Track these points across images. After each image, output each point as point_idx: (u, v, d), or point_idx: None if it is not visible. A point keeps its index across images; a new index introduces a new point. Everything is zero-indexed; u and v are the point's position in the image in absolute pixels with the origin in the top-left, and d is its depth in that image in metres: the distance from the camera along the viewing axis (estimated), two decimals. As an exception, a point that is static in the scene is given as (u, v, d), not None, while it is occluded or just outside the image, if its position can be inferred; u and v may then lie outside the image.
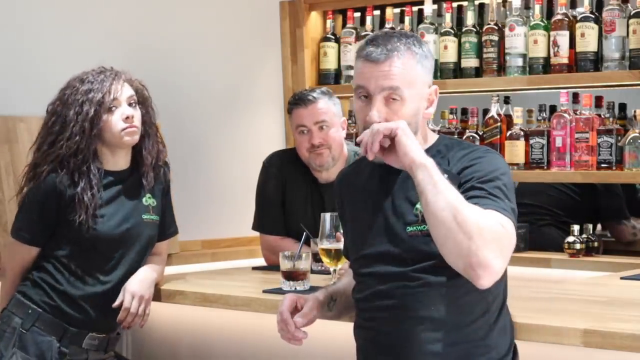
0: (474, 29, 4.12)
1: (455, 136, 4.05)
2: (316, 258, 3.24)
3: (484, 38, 4.08)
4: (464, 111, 4.26)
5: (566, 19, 3.88)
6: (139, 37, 4.09)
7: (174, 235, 3.40)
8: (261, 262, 3.84)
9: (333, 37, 4.56)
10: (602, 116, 3.82)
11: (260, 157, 3.84)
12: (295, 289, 3.01)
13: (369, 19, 4.42)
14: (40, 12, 3.80)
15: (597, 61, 3.83)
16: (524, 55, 3.99)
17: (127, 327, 3.16)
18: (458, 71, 4.18)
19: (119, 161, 3.17)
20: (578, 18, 3.86)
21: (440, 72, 4.21)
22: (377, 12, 4.44)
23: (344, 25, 4.55)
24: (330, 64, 4.55)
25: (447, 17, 4.20)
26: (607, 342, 2.30)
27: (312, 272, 3.17)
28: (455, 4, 4.25)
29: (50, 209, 3.08)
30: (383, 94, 2.36)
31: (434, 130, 2.81)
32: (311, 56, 4.59)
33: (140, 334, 3.26)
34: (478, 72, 4.13)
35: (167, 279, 3.39)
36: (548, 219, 4.37)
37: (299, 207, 3.69)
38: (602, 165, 3.78)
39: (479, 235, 2.15)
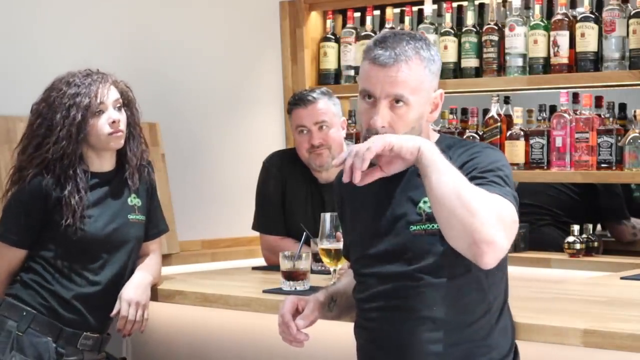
0: (474, 29, 4.12)
1: (456, 136, 4.05)
2: (316, 258, 3.24)
3: (484, 38, 4.07)
4: (464, 111, 4.26)
5: (566, 19, 3.88)
6: (138, 37, 4.09)
7: (164, 233, 3.39)
8: (261, 262, 3.84)
9: (333, 37, 4.56)
10: (602, 116, 3.82)
11: (260, 157, 3.84)
12: (295, 289, 3.01)
13: (369, 19, 4.42)
14: (41, 12, 3.80)
15: (597, 61, 3.83)
16: (524, 55, 3.99)
17: (127, 335, 3.16)
18: (458, 71, 4.18)
19: (104, 163, 3.17)
20: (578, 18, 3.86)
21: (441, 72, 4.18)
22: (377, 12, 4.44)
23: (344, 25, 4.55)
24: (330, 64, 4.55)
25: (447, 17, 4.20)
26: (607, 342, 2.30)
27: (312, 272, 3.17)
28: (455, 4, 4.25)
29: (37, 210, 3.08)
30: (389, 98, 2.36)
31: (434, 130, 2.80)
32: (311, 56, 4.59)
33: (139, 334, 3.26)
34: (478, 72, 4.13)
35: (166, 279, 3.39)
36: (548, 219, 4.37)
37: (299, 207, 3.69)
38: (602, 165, 3.77)
39: (483, 212, 2.14)
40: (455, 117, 4.17)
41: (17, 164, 3.14)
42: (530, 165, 3.94)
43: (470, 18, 4.13)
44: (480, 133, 4.05)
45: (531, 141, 3.93)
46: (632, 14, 3.74)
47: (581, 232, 3.87)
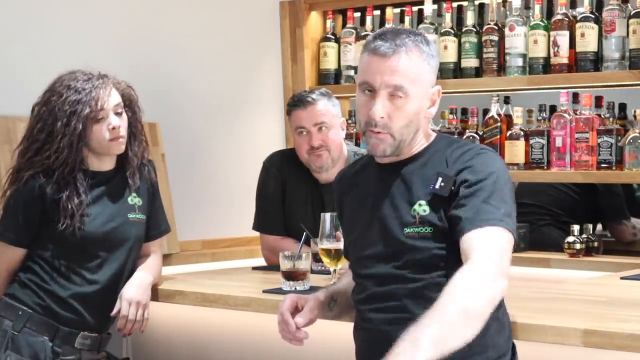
0: (474, 29, 4.12)
1: (455, 136, 4.05)
2: (316, 258, 3.24)
3: (484, 38, 4.07)
4: (464, 111, 4.26)
5: (566, 19, 3.88)
6: (139, 37, 4.09)
7: (166, 233, 3.39)
8: (261, 262, 3.85)
9: (333, 37, 4.56)
10: (602, 116, 3.82)
11: (260, 157, 3.84)
12: (295, 289, 3.01)
13: (369, 19, 4.42)
14: (41, 12, 3.80)
15: (597, 61, 3.83)
16: (524, 55, 3.99)
17: (127, 334, 3.16)
18: (458, 71, 4.18)
19: (105, 163, 3.17)
20: (578, 18, 3.86)
21: (440, 72, 4.18)
22: (377, 12, 4.44)
23: (344, 25, 4.55)
24: (330, 64, 4.55)
25: (447, 17, 4.20)
26: (607, 342, 2.29)
27: (312, 272, 3.17)
28: (455, 4, 4.25)
29: (35, 210, 3.07)
30: (388, 90, 2.36)
31: (432, 130, 2.80)
32: (311, 56, 4.59)
33: (139, 334, 3.26)
34: (478, 72, 4.13)
35: (166, 279, 3.39)
36: (548, 219, 4.37)
37: (299, 207, 3.69)
38: (602, 165, 3.77)
39: (483, 312, 2.16)
40: (455, 117, 4.17)
41: (15, 165, 3.13)
42: (530, 165, 3.94)
43: (470, 18, 4.13)
44: (480, 133, 4.05)
45: (531, 141, 3.93)
46: (632, 14, 3.74)
47: (581, 232, 3.87)
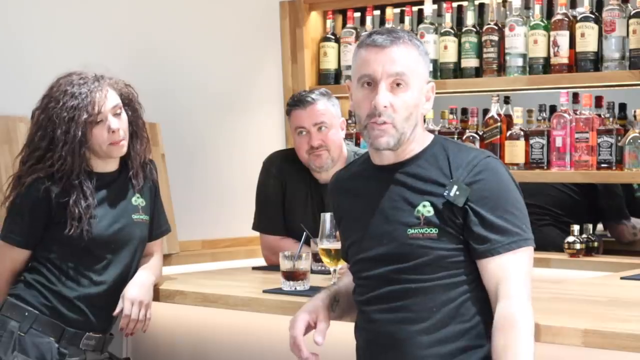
0: (474, 29, 4.12)
1: (455, 136, 4.05)
2: (316, 258, 3.24)
3: (484, 38, 4.08)
4: (464, 111, 4.26)
5: (566, 19, 3.88)
6: (139, 37, 4.09)
7: (167, 233, 3.39)
8: (261, 262, 3.84)
9: (333, 37, 4.56)
10: (602, 116, 3.82)
11: (260, 157, 3.84)
12: (295, 289, 3.01)
13: (369, 19, 4.42)
14: (41, 12, 3.80)
15: (597, 61, 3.83)
16: (524, 55, 3.99)
17: (130, 334, 3.16)
18: (458, 71, 4.19)
19: (108, 165, 3.16)
20: (578, 18, 3.86)
21: (440, 72, 4.21)
22: (377, 12, 4.44)
23: (344, 25, 4.55)
24: (330, 64, 4.55)
25: (447, 17, 4.20)
26: (607, 342, 2.29)
27: (312, 272, 3.17)
28: (455, 4, 4.25)
29: (41, 212, 3.07)
30: (389, 80, 2.37)
31: (432, 131, 2.81)
32: (311, 56, 4.59)
33: (140, 334, 3.26)
34: (478, 72, 4.13)
35: (166, 279, 3.39)
36: (548, 219, 4.37)
37: (299, 207, 3.69)
38: (602, 165, 3.78)
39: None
40: (455, 117, 4.17)
41: (17, 173, 3.12)
42: (530, 165, 3.94)
43: (470, 18, 4.13)
44: (480, 133, 4.05)
45: (531, 141, 3.93)
46: (632, 14, 3.75)
47: (581, 232, 3.87)
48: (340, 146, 3.63)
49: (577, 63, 3.87)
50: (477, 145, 3.96)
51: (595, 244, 3.89)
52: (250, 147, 4.45)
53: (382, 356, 2.42)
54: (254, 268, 3.78)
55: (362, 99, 2.41)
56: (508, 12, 4.06)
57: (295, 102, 3.62)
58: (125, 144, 3.12)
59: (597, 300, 2.84)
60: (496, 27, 4.05)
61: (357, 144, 4.29)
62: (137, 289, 3.13)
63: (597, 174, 3.81)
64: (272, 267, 3.58)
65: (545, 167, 3.91)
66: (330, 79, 4.55)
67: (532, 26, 3.94)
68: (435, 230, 2.35)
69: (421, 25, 4.25)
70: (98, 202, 3.11)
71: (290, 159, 3.73)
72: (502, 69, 4.06)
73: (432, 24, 4.23)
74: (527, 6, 4.01)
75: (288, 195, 3.72)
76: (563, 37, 3.87)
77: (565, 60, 3.88)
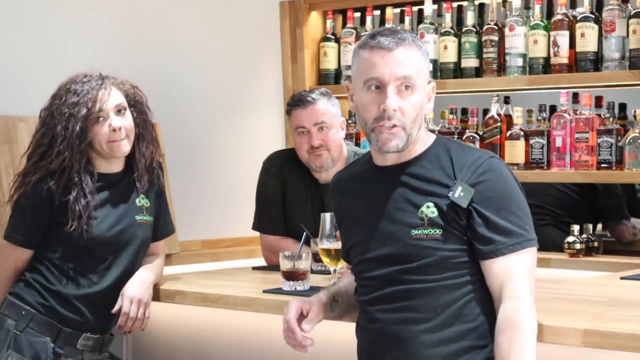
0: (474, 29, 4.12)
1: (455, 136, 4.05)
2: (316, 258, 3.24)
3: (484, 38, 4.08)
4: (464, 111, 4.26)
5: (566, 19, 3.88)
6: (139, 37, 4.09)
7: (170, 234, 3.39)
8: (261, 262, 3.84)
9: (333, 37, 4.56)
10: (602, 116, 3.82)
11: (260, 157, 3.84)
12: (295, 289, 3.01)
13: (369, 19, 4.42)
14: (41, 12, 3.80)
15: (597, 61, 3.84)
16: (524, 55, 3.99)
17: (128, 332, 3.16)
18: (458, 71, 4.19)
19: (112, 165, 3.15)
20: (578, 18, 3.86)
21: (440, 72, 4.21)
22: (377, 12, 4.44)
23: (344, 25, 4.55)
24: (330, 64, 4.55)
25: (447, 17, 4.20)
26: (607, 342, 2.30)
27: (312, 272, 3.17)
28: (455, 4, 4.25)
29: (44, 212, 3.07)
30: (397, 83, 2.37)
31: (432, 131, 2.81)
32: (311, 56, 4.59)
33: (140, 334, 3.26)
34: (478, 72, 4.13)
35: (166, 279, 3.39)
36: (548, 219, 4.37)
37: (299, 207, 3.69)
38: (602, 165, 3.78)
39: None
40: (455, 117, 4.17)
41: (22, 170, 3.13)
42: (530, 165, 3.94)
43: (470, 18, 4.13)
44: (480, 133, 4.05)
45: (531, 141, 3.93)
46: (632, 14, 3.75)
47: (581, 232, 3.87)
48: (341, 146, 3.63)
49: (577, 63, 3.87)
50: (477, 145, 3.96)
51: (595, 244, 3.89)
52: (250, 147, 4.45)
53: (385, 355, 2.42)
54: (254, 268, 3.78)
55: (369, 102, 2.40)
56: (508, 12, 4.06)
57: (296, 102, 3.62)
58: (126, 144, 3.11)
59: (597, 300, 2.84)
60: (496, 27, 4.05)
61: (357, 144, 4.29)
62: (136, 287, 3.13)
63: (597, 174, 3.81)
64: (272, 267, 3.58)
65: (545, 167, 3.91)
66: (330, 79, 4.55)
67: (532, 26, 3.94)
68: (440, 231, 2.36)
69: (421, 25, 4.25)
70: (100, 203, 3.11)
71: (290, 158, 3.73)
72: (502, 69, 4.06)
73: (432, 24, 4.23)
74: (527, 6, 4.01)
75: (288, 195, 3.72)
76: (563, 37, 3.87)
77: (565, 60, 3.88)
